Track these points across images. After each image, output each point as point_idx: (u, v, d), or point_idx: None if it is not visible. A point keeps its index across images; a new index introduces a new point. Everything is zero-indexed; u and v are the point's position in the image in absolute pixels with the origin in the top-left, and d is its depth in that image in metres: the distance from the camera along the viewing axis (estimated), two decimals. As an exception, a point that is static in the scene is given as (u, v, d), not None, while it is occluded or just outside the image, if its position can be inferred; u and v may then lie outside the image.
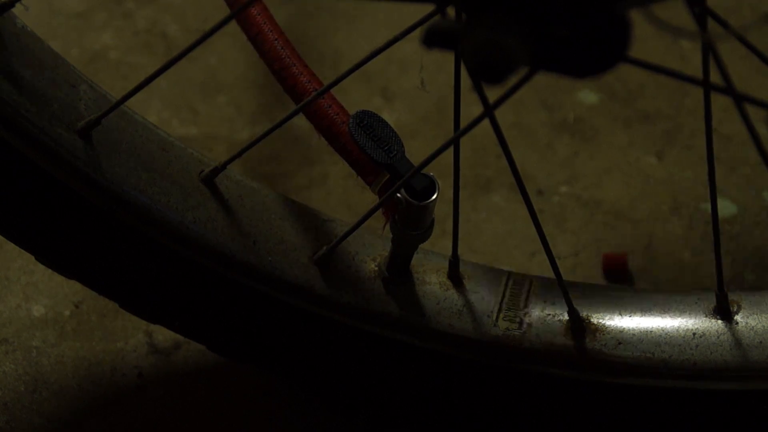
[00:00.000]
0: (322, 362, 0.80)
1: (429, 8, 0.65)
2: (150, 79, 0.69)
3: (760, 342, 0.72)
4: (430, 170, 0.70)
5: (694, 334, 0.73)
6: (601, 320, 0.75)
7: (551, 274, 0.74)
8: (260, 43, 0.73)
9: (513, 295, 0.76)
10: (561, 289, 0.74)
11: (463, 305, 0.76)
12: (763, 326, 0.73)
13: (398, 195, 0.70)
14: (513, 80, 0.56)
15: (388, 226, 0.74)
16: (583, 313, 0.75)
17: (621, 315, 0.75)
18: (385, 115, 1.09)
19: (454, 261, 0.76)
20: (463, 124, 0.67)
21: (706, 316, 0.74)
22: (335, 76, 0.70)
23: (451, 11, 0.62)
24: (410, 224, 0.71)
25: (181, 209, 0.73)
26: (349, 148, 0.73)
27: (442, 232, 0.85)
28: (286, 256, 0.75)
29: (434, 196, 0.70)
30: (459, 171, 0.72)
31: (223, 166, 0.74)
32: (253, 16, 0.73)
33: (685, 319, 0.74)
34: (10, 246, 0.79)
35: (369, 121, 0.71)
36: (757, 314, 0.73)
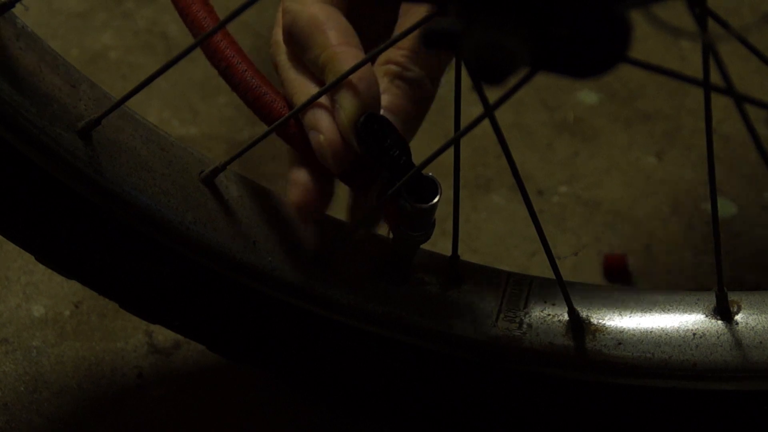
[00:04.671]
0: (322, 362, 0.80)
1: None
2: (150, 79, 0.69)
3: (760, 342, 0.72)
4: (430, 170, 0.70)
5: (694, 334, 0.73)
6: (601, 320, 0.74)
7: (551, 274, 0.74)
8: (230, 76, 0.72)
9: (513, 295, 0.76)
10: (561, 289, 0.74)
11: (463, 305, 0.76)
12: (763, 326, 0.73)
13: (401, 200, 0.69)
14: (513, 80, 0.56)
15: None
16: (583, 314, 0.75)
17: (621, 315, 0.75)
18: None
19: (454, 261, 0.76)
20: (463, 124, 0.67)
21: (706, 316, 0.74)
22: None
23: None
24: (412, 227, 0.71)
25: (181, 209, 0.73)
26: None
27: (442, 232, 0.84)
28: (286, 256, 0.75)
29: (436, 199, 0.70)
30: (459, 171, 0.71)
31: (223, 166, 0.74)
32: (222, 49, 0.72)
33: (685, 320, 0.74)
34: (10, 246, 0.79)
35: (377, 126, 0.69)
36: (757, 314, 0.73)
